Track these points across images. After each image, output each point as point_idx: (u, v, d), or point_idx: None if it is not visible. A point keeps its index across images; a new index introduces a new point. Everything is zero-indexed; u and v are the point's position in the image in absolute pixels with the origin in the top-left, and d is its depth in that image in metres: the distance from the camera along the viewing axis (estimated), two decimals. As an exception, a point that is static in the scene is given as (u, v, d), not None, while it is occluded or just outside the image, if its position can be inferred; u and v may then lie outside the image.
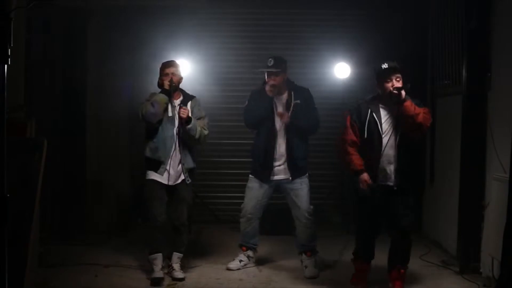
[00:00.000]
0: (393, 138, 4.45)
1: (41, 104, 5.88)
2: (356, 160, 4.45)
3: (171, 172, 4.92)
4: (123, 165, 7.12)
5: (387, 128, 4.47)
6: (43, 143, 4.33)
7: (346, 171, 4.86)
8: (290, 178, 5.15)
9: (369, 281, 4.79)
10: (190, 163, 5.02)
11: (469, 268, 5.20)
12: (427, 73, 6.84)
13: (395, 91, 4.34)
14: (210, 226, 7.07)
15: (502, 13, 4.98)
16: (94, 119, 6.72)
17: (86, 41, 6.60)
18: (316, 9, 7.26)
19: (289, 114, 5.10)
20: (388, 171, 4.46)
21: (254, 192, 5.26)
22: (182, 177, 4.97)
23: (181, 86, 5.12)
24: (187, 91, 5.20)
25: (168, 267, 5.04)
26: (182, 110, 4.89)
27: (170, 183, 4.93)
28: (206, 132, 5.05)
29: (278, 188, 5.29)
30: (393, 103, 4.39)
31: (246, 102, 5.27)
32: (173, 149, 4.91)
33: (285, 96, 5.19)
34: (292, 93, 5.18)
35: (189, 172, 5.01)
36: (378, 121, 4.46)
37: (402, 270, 4.62)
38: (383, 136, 4.46)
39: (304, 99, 5.17)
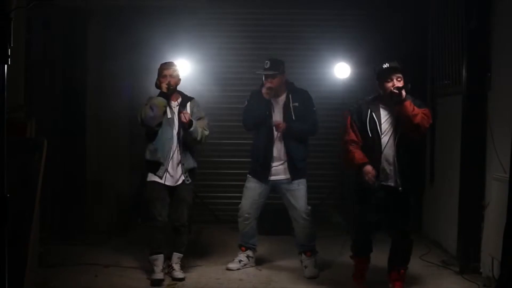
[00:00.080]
0: (392, 138, 4.44)
1: (41, 104, 5.88)
2: (358, 155, 4.44)
3: (172, 173, 4.92)
4: (123, 165, 7.12)
5: (387, 128, 4.46)
6: (43, 143, 4.33)
7: (347, 171, 4.85)
8: (290, 179, 5.14)
9: (369, 281, 4.78)
10: (190, 163, 5.02)
11: (469, 268, 5.20)
12: (427, 73, 6.84)
13: (395, 91, 4.33)
14: (210, 226, 7.07)
15: (502, 13, 4.98)
16: (94, 119, 6.72)
17: (86, 41, 6.60)
18: (316, 9, 7.26)
19: (286, 117, 5.09)
20: (388, 171, 4.46)
21: (252, 191, 5.26)
22: (182, 177, 4.97)
23: (181, 86, 5.12)
24: (187, 91, 5.20)
25: (168, 267, 5.04)
26: (183, 114, 4.88)
27: (171, 184, 4.93)
28: (206, 132, 5.06)
29: (275, 189, 5.29)
30: (393, 103, 4.39)
31: (246, 103, 5.27)
32: (172, 151, 4.91)
33: (283, 97, 5.19)
34: (290, 95, 5.17)
35: (190, 172, 5.01)
36: (377, 121, 4.46)
37: (402, 271, 4.62)
38: (382, 136, 4.45)
39: (302, 101, 5.17)
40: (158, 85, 4.98)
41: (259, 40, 7.25)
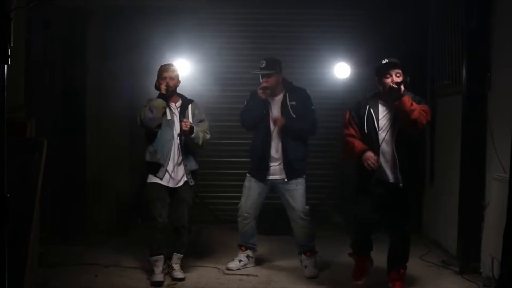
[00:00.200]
0: (390, 134, 4.44)
1: (41, 104, 5.88)
2: (358, 143, 4.45)
3: (172, 174, 4.92)
4: (123, 165, 7.12)
5: (385, 124, 4.46)
6: (43, 143, 4.33)
7: (347, 172, 4.84)
8: (286, 179, 5.15)
9: (369, 282, 4.78)
10: (193, 165, 5.03)
11: (469, 268, 5.20)
12: (427, 73, 6.84)
13: (394, 85, 4.34)
14: (210, 226, 7.07)
15: (502, 13, 4.98)
16: (94, 119, 6.72)
17: (86, 41, 6.60)
18: (316, 9, 7.26)
19: (283, 116, 5.09)
20: (385, 167, 4.45)
21: (251, 191, 5.26)
22: (184, 179, 4.97)
23: (181, 86, 5.11)
24: (187, 92, 5.20)
25: (168, 267, 5.04)
26: (184, 123, 4.88)
27: (172, 185, 4.93)
28: (208, 136, 5.07)
29: (274, 189, 5.29)
30: (393, 98, 4.39)
31: (245, 103, 5.27)
32: (172, 152, 4.91)
33: (280, 97, 5.18)
34: (288, 94, 5.17)
35: (192, 173, 5.02)
36: (375, 117, 4.47)
37: (402, 270, 4.62)
38: (379, 132, 4.46)
39: (300, 100, 5.16)
40: (157, 87, 4.97)
41: (259, 40, 7.25)
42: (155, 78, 5.05)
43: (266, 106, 5.14)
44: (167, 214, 4.97)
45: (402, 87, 4.35)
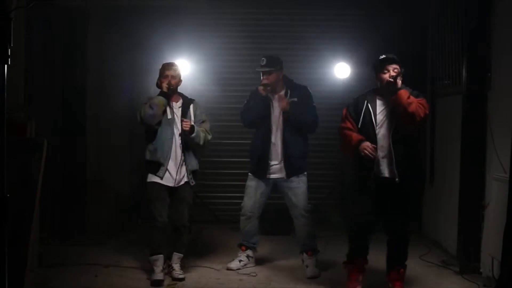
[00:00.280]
0: (387, 129, 4.44)
1: (41, 104, 5.88)
2: (355, 135, 4.45)
3: (173, 173, 4.92)
4: (123, 165, 7.12)
5: (382, 120, 4.46)
6: (43, 143, 4.33)
7: (346, 171, 4.83)
8: (286, 176, 5.14)
9: (369, 282, 4.77)
10: (194, 165, 5.03)
11: (469, 268, 5.20)
12: (427, 73, 6.84)
13: (391, 79, 4.34)
14: (210, 226, 7.07)
15: (502, 13, 4.98)
16: (94, 119, 6.71)
17: (86, 41, 6.60)
18: (316, 9, 7.26)
19: (284, 113, 5.09)
20: (382, 162, 4.44)
21: (254, 190, 5.27)
22: (185, 179, 4.97)
23: (181, 86, 5.11)
24: (187, 91, 5.20)
25: (168, 267, 5.04)
26: (184, 123, 4.88)
27: (172, 185, 4.93)
28: (209, 136, 5.08)
29: (276, 188, 5.29)
30: (390, 93, 4.39)
31: (245, 102, 5.28)
32: (172, 151, 4.91)
33: (281, 94, 5.19)
34: (289, 91, 5.17)
35: (193, 173, 5.02)
36: (372, 112, 4.47)
37: (402, 270, 4.61)
38: (377, 127, 4.46)
39: (301, 97, 5.16)
40: (159, 85, 4.98)
41: (259, 40, 7.25)
42: (155, 78, 5.06)
43: (267, 104, 5.14)
44: (167, 214, 4.97)
45: (399, 81, 4.36)
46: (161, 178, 4.90)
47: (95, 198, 6.62)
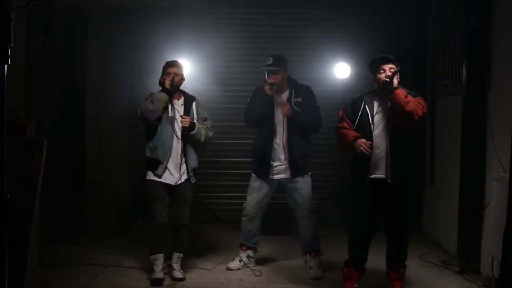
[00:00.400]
0: (384, 130, 4.43)
1: (41, 104, 5.88)
2: (351, 133, 4.45)
3: (173, 171, 4.92)
4: (123, 165, 7.11)
5: (379, 120, 4.45)
6: (43, 143, 4.33)
7: (346, 171, 4.81)
8: (291, 176, 5.14)
9: (369, 283, 4.77)
10: (194, 163, 5.03)
11: (469, 268, 5.20)
12: (427, 73, 6.84)
13: (387, 79, 4.34)
14: (210, 226, 7.07)
15: (502, 13, 4.98)
16: (94, 119, 6.72)
17: (86, 41, 6.60)
18: (316, 9, 7.26)
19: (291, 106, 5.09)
20: (379, 163, 4.42)
21: (256, 191, 5.26)
22: (185, 176, 4.97)
23: (182, 86, 5.11)
24: (187, 91, 5.19)
25: (168, 267, 5.04)
26: (183, 120, 4.88)
27: (171, 182, 4.93)
28: (211, 133, 5.08)
29: (280, 188, 5.29)
30: (387, 93, 4.38)
31: (248, 100, 5.27)
32: (173, 149, 4.91)
33: (286, 94, 5.18)
34: (293, 91, 5.17)
35: (193, 171, 5.02)
36: (369, 113, 4.46)
37: (402, 270, 4.60)
38: (374, 128, 4.44)
39: (305, 97, 5.16)
40: (161, 83, 4.97)
41: (259, 40, 7.25)
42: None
43: (272, 103, 5.14)
44: (167, 213, 4.96)
45: (395, 81, 4.36)
46: (160, 176, 4.90)
47: (95, 198, 6.62)
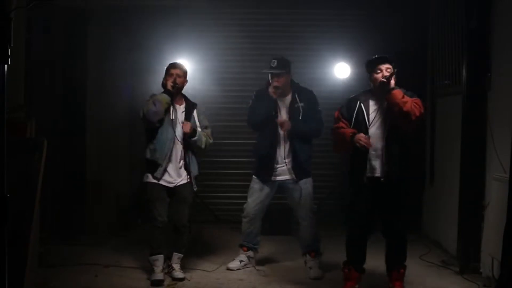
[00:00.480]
0: (380, 129, 4.42)
1: (41, 104, 5.88)
2: (348, 130, 4.43)
3: (172, 174, 4.92)
4: (123, 165, 7.12)
5: (375, 119, 4.44)
6: (43, 143, 4.33)
7: (344, 170, 4.78)
8: (296, 180, 5.13)
9: (369, 283, 4.77)
10: (196, 171, 5.04)
11: (469, 268, 5.20)
12: (427, 73, 6.84)
13: (383, 79, 4.33)
14: (210, 226, 7.07)
15: (502, 13, 4.98)
16: (94, 119, 6.71)
17: (86, 41, 6.60)
18: (316, 9, 7.26)
19: (291, 117, 5.08)
20: (375, 163, 4.41)
21: (257, 192, 5.25)
22: (185, 179, 4.96)
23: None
24: (188, 92, 5.19)
25: (168, 267, 5.04)
26: (184, 125, 4.88)
27: (170, 185, 4.93)
28: (211, 141, 5.10)
29: (281, 188, 5.28)
30: (384, 93, 4.37)
31: (250, 102, 5.26)
32: (173, 153, 4.90)
33: (289, 97, 5.18)
34: (296, 95, 5.16)
35: (195, 178, 5.04)
36: (365, 112, 4.45)
37: (402, 270, 4.60)
38: (369, 127, 4.44)
39: (308, 101, 5.16)
40: (164, 84, 4.97)
41: (259, 40, 7.25)
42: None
43: (275, 106, 5.13)
44: (167, 213, 4.96)
45: (392, 81, 4.35)
46: (158, 179, 4.89)
47: (95, 198, 6.62)
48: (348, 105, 4.56)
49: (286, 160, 5.13)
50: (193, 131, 4.92)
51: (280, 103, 5.15)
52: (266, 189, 5.22)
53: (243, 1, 7.26)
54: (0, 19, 2.43)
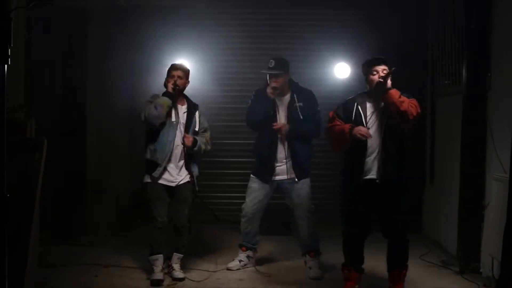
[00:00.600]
0: (378, 131, 4.41)
1: (41, 104, 5.88)
2: (345, 125, 4.41)
3: (173, 173, 4.92)
4: (123, 165, 7.12)
5: (373, 122, 4.43)
6: (43, 143, 4.33)
7: (342, 169, 4.74)
8: (296, 179, 5.14)
9: (369, 283, 4.77)
10: (196, 172, 5.05)
11: (469, 268, 5.21)
12: (427, 73, 6.84)
13: (380, 79, 4.32)
14: (210, 226, 7.07)
15: (502, 13, 4.98)
16: (94, 119, 6.71)
17: (86, 41, 6.59)
18: (316, 9, 7.26)
19: (290, 116, 5.08)
20: (372, 164, 4.39)
21: (256, 192, 5.25)
22: (186, 179, 4.97)
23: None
24: (187, 91, 5.18)
25: (168, 267, 5.04)
26: (186, 139, 4.89)
27: (170, 184, 4.93)
28: (209, 147, 5.11)
29: (279, 188, 5.29)
30: (381, 94, 4.36)
31: (249, 102, 5.26)
32: (173, 153, 4.90)
33: (287, 97, 5.18)
34: (295, 95, 5.16)
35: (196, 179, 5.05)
36: (363, 114, 4.44)
37: (404, 271, 4.58)
38: (368, 128, 4.42)
39: (307, 101, 5.16)
40: (166, 85, 4.97)
41: (259, 40, 7.25)
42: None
43: (273, 106, 5.13)
44: (167, 213, 4.96)
45: (389, 81, 4.34)
46: (157, 179, 4.89)
47: (95, 198, 6.62)
48: (344, 106, 4.54)
49: (285, 160, 5.13)
50: (194, 141, 4.92)
51: (278, 103, 5.16)
52: (265, 189, 5.23)
53: (243, 1, 7.26)
54: (0, 19, 2.43)
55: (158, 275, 4.87)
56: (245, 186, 5.40)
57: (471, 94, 5.29)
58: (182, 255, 5.07)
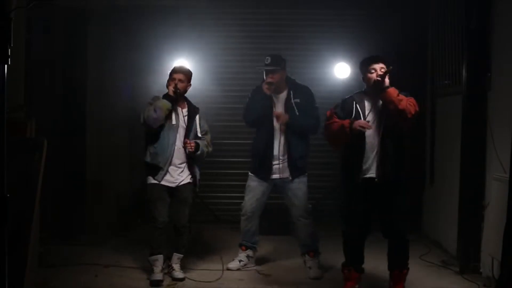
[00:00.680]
0: (376, 130, 4.40)
1: (41, 104, 5.88)
2: (344, 121, 4.39)
3: (174, 175, 4.92)
4: (123, 165, 7.11)
5: (371, 120, 4.42)
6: (43, 143, 4.33)
7: (341, 170, 4.74)
8: (290, 177, 5.14)
9: (369, 284, 4.77)
10: (197, 173, 5.06)
11: (469, 268, 5.21)
12: (427, 73, 6.84)
13: (378, 78, 4.32)
14: (210, 226, 7.07)
15: (502, 13, 4.98)
16: (94, 119, 6.71)
17: (86, 41, 6.59)
18: (316, 9, 7.26)
19: (287, 113, 5.09)
20: (371, 163, 4.39)
21: (254, 190, 5.26)
22: (186, 180, 4.97)
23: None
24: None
25: (168, 267, 5.04)
26: (188, 146, 4.89)
27: (172, 185, 4.93)
28: (210, 149, 5.11)
29: (277, 188, 5.29)
30: (379, 92, 4.35)
31: (248, 100, 5.27)
32: (174, 155, 4.90)
33: (284, 94, 5.18)
34: (291, 91, 5.17)
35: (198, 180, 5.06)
36: (361, 113, 4.43)
37: (405, 271, 4.57)
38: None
39: (304, 97, 5.16)
40: (168, 87, 4.96)
41: (259, 40, 7.25)
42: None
43: (270, 103, 5.13)
44: (167, 214, 4.96)
45: (387, 80, 4.33)
46: (159, 182, 4.89)
47: (95, 198, 6.62)
48: (343, 105, 4.54)
49: (282, 158, 5.13)
50: (197, 146, 4.92)
51: (275, 100, 5.16)
52: (263, 187, 5.23)
53: (243, 1, 7.26)
54: (0, 19, 2.43)
55: (158, 275, 4.87)
56: (245, 186, 5.40)
57: (471, 94, 5.29)
58: (182, 255, 5.08)
